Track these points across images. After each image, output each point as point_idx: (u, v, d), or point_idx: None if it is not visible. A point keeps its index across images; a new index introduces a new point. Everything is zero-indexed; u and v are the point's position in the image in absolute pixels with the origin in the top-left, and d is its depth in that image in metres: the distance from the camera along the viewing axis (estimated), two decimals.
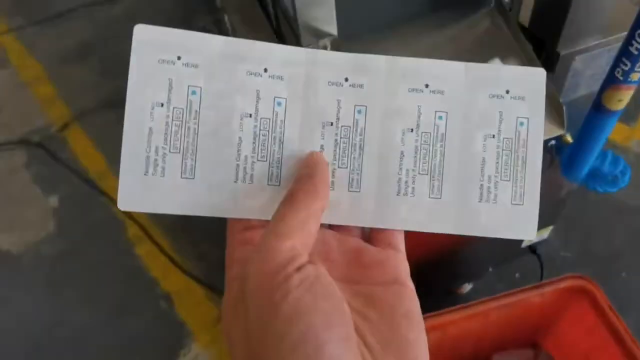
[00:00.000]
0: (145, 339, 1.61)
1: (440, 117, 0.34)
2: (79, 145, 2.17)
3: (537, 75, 0.34)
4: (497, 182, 0.34)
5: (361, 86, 0.34)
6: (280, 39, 0.93)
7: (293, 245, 0.29)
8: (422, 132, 0.34)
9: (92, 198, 1.93)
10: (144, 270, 1.71)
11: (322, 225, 0.35)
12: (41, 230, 1.84)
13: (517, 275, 1.54)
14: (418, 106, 0.34)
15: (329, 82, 0.34)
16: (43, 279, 1.73)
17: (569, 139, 1.02)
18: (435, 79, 0.34)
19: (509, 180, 0.34)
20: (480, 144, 0.34)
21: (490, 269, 1.42)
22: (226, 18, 1.20)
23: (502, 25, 0.82)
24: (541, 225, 1.37)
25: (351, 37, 0.78)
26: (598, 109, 0.84)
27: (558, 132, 0.78)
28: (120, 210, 1.48)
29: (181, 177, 0.33)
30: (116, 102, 2.37)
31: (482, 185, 0.34)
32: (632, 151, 1.78)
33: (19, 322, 1.65)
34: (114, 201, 1.93)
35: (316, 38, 0.75)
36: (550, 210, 1.26)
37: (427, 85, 0.34)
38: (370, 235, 0.36)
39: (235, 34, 1.03)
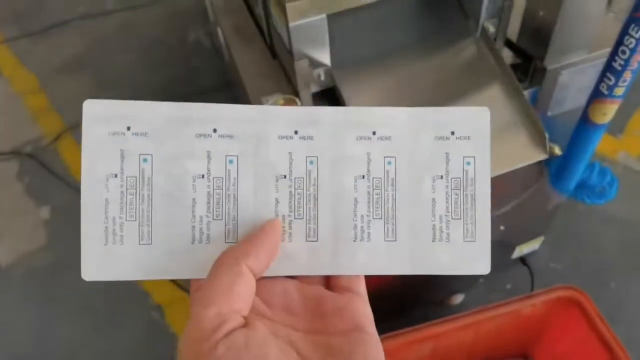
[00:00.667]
0: (136, 351, 1.60)
1: (389, 163, 0.35)
2: (71, 156, 2.17)
3: (481, 114, 0.35)
4: (448, 221, 0.35)
5: (311, 137, 0.34)
6: (273, 54, 0.95)
7: (218, 311, 0.28)
8: (372, 178, 0.34)
9: None
10: (135, 282, 1.70)
11: (284, 277, 0.35)
12: (32, 241, 1.83)
13: (508, 285, 1.55)
14: (367, 153, 0.35)
15: (279, 136, 0.34)
16: (33, 290, 1.71)
17: (558, 151, 1.04)
18: (382, 126, 0.34)
19: (460, 218, 0.35)
20: (429, 185, 0.35)
21: (481, 280, 1.43)
22: (219, 31, 1.21)
23: (487, 54, 0.84)
24: (531, 236, 1.39)
25: (343, 66, 0.80)
26: (585, 122, 0.86)
27: (540, 157, 0.80)
28: None
29: (139, 243, 0.34)
30: None
31: (434, 225, 0.35)
32: (619, 163, 1.81)
33: (9, 334, 1.63)
34: None
35: (311, 68, 0.77)
36: (540, 221, 1.28)
37: (374, 133, 0.34)
38: (330, 282, 0.35)
39: (228, 47, 1.04)
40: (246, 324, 0.29)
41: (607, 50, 0.82)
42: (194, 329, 0.28)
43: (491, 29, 0.85)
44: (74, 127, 2.29)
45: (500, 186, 1.07)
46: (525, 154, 0.79)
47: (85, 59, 2.69)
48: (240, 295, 0.30)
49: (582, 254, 1.60)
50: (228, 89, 2.38)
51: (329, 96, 0.83)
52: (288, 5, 0.69)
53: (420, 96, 0.81)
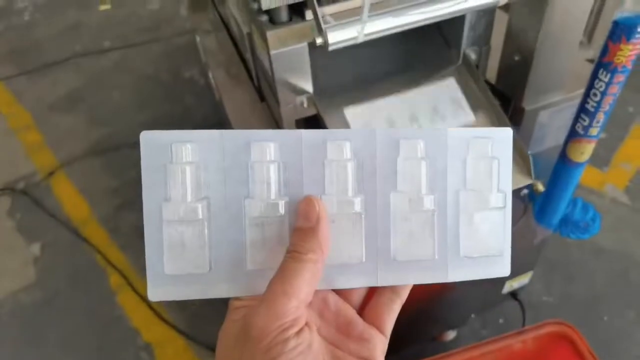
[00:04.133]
0: None
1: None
2: (63, 193, 2.17)
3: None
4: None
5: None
6: (260, 95, 0.98)
7: (298, 304, 0.31)
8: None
9: (74, 246, 1.91)
10: (125, 320, 1.68)
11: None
12: (21, 278, 1.81)
13: (501, 320, 1.55)
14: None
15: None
16: (21, 328, 1.69)
17: (541, 187, 1.06)
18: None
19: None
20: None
21: (473, 316, 1.43)
22: (210, 73, 1.25)
23: (469, 81, 0.86)
24: (520, 271, 1.39)
25: (326, 94, 0.82)
26: (563, 160, 0.89)
27: (526, 181, 0.82)
28: (101, 257, 1.48)
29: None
30: (102, 150, 2.40)
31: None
32: (607, 196, 1.83)
33: None
34: (96, 248, 1.92)
35: (293, 95, 0.79)
36: (527, 257, 1.29)
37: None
38: (363, 308, 0.39)
39: (218, 89, 1.07)
40: (308, 323, 0.33)
41: (583, 91, 0.85)
42: (275, 317, 0.31)
43: (472, 56, 0.87)
44: (67, 164, 2.30)
45: None
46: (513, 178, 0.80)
47: (80, 96, 2.73)
48: (313, 289, 0.33)
49: (573, 287, 1.60)
50: (220, 126, 2.40)
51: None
52: (269, 33, 0.71)
53: (405, 126, 0.82)
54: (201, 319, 1.64)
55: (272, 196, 0.36)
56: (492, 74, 0.92)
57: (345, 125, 0.80)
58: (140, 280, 1.77)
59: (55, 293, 1.77)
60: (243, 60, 1.10)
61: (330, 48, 0.59)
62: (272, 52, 0.72)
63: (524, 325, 1.42)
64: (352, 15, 0.63)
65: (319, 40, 0.59)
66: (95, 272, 1.83)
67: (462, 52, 0.86)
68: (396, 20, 0.61)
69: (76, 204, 2.13)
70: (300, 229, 0.35)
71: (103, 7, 3.47)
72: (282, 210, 0.36)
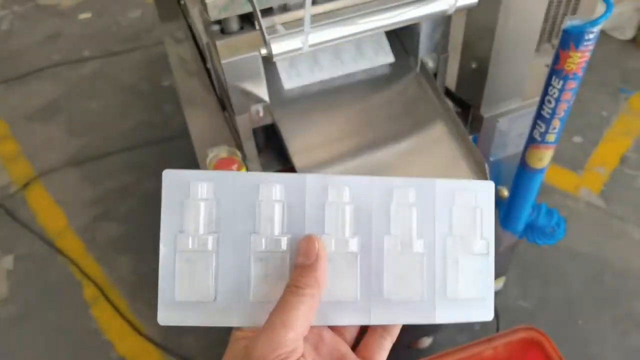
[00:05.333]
0: None
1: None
2: (39, 204, 2.14)
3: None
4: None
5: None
6: (222, 105, 0.97)
7: (295, 336, 0.33)
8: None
9: (48, 258, 1.89)
10: (100, 333, 1.65)
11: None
12: None
13: (476, 326, 1.54)
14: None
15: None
16: None
17: (506, 193, 1.06)
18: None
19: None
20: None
21: None
22: (177, 82, 1.24)
23: (428, 90, 0.86)
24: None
25: (284, 103, 0.82)
26: (523, 167, 0.89)
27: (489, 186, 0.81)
28: (76, 269, 1.46)
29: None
30: (81, 160, 2.38)
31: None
32: (582, 200, 1.85)
33: None
34: (71, 260, 1.89)
35: (248, 104, 0.78)
36: (497, 262, 1.28)
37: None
38: (357, 344, 0.41)
39: (181, 100, 1.06)
40: (303, 355, 0.34)
41: (535, 100, 0.86)
42: (273, 347, 0.32)
43: (430, 64, 0.87)
44: (44, 175, 2.27)
45: None
46: None
47: (58, 105, 2.70)
48: (310, 322, 0.35)
49: (549, 290, 1.61)
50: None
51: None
52: (219, 43, 0.70)
53: (363, 134, 0.81)
54: (176, 332, 1.62)
55: (276, 232, 0.38)
56: (451, 81, 0.92)
57: (303, 135, 0.80)
58: (115, 292, 1.75)
59: (29, 307, 1.74)
60: (207, 70, 1.10)
61: (275, 59, 0.59)
62: (223, 61, 0.71)
63: (497, 331, 1.41)
64: (302, 25, 0.63)
65: (263, 51, 0.59)
66: (69, 284, 1.80)
67: (419, 59, 0.86)
68: (340, 31, 0.61)
69: (52, 215, 2.10)
70: (300, 265, 0.37)
71: (83, 16, 3.45)
72: (284, 246, 0.38)
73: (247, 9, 0.68)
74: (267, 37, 0.58)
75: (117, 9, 3.44)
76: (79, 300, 1.75)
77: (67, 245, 1.94)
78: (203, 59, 1.14)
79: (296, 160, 0.75)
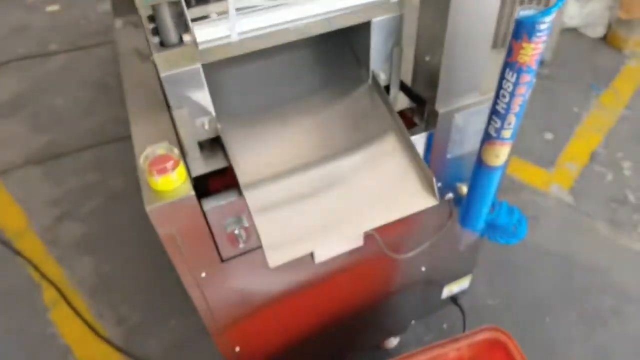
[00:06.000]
0: None
1: None
2: None
3: None
4: None
5: None
6: (173, 121, 0.92)
7: None
8: None
9: (7, 260, 1.81)
10: (57, 337, 1.59)
11: None
12: None
13: (444, 325, 1.52)
14: None
15: None
16: None
17: (465, 190, 1.04)
18: None
19: None
20: None
21: (413, 322, 1.40)
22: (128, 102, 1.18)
23: (379, 102, 0.84)
24: (457, 275, 1.36)
25: (232, 115, 0.78)
26: (480, 164, 0.86)
27: (431, 202, 0.78)
28: (36, 272, 1.38)
29: None
30: (43, 158, 2.29)
31: None
32: (552, 196, 1.84)
33: None
34: (30, 262, 1.82)
35: (192, 117, 0.74)
36: (461, 260, 1.26)
37: None
38: None
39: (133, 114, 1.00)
40: None
41: (490, 95, 0.83)
42: None
43: (382, 76, 0.84)
44: (4, 173, 2.18)
45: (411, 227, 1.05)
46: (416, 201, 0.77)
47: (23, 100, 2.60)
48: None
49: (517, 289, 1.59)
50: None
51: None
52: (156, 55, 0.67)
53: (313, 148, 0.79)
54: (138, 334, 1.56)
55: None
56: (407, 75, 0.88)
57: (250, 149, 0.76)
58: (76, 294, 1.68)
59: None
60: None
61: (201, 47, 0.55)
62: (162, 74, 0.67)
63: (464, 330, 1.39)
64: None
65: (186, 38, 0.54)
66: (28, 287, 1.73)
67: (371, 71, 0.83)
68: (269, 18, 0.57)
69: (12, 215, 2.02)
70: None
71: (51, 9, 3.34)
72: None
73: None
74: (190, 23, 0.54)
75: (87, 2, 3.34)
76: (38, 303, 1.68)
77: (27, 246, 1.87)
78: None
79: (241, 178, 0.71)
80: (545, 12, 0.66)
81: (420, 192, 0.77)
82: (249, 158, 0.75)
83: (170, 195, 0.73)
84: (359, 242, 0.81)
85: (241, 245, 0.84)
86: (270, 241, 0.68)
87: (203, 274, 0.85)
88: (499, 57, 0.86)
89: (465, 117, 0.88)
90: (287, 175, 0.76)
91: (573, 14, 2.46)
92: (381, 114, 0.81)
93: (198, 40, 0.54)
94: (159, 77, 0.94)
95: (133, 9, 1.29)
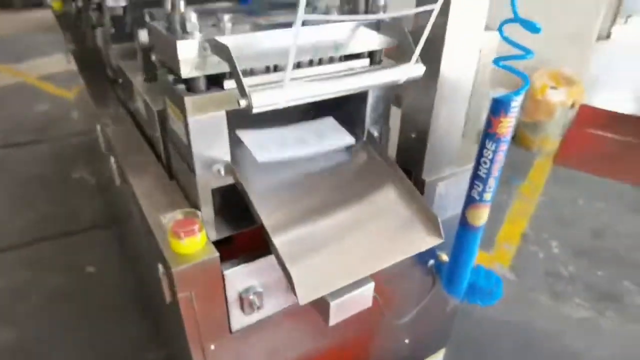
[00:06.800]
0: None
1: None
2: None
3: None
4: None
5: None
6: (170, 175, 0.95)
7: None
8: None
9: None
10: None
11: None
12: None
13: None
14: None
15: None
16: None
17: (445, 257, 1.12)
18: None
19: None
20: None
21: None
22: (112, 159, 1.19)
23: (375, 155, 0.93)
24: (435, 347, 1.40)
25: (244, 164, 0.83)
26: (464, 226, 0.96)
27: (437, 240, 0.86)
28: None
29: None
30: None
31: None
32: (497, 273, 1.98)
33: None
34: None
35: (210, 163, 0.78)
36: (440, 330, 1.31)
37: None
38: None
39: (122, 171, 1.02)
40: None
41: (471, 165, 0.96)
42: None
43: (375, 134, 0.95)
44: None
45: (400, 294, 1.10)
46: (425, 240, 0.84)
47: None
48: None
49: None
50: (111, 226, 2.24)
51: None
52: (187, 99, 0.71)
53: (324, 196, 0.85)
54: None
55: None
56: (392, 151, 1.00)
57: (268, 195, 0.80)
58: None
59: None
60: (150, 144, 1.08)
61: (255, 110, 0.61)
62: (190, 118, 0.72)
63: None
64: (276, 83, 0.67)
65: (242, 102, 0.61)
66: None
67: (366, 129, 0.94)
68: (315, 89, 0.66)
69: None
70: None
71: None
72: None
73: (218, 69, 0.71)
74: (247, 89, 0.61)
75: (24, 102, 3.29)
76: None
77: None
78: (144, 134, 1.12)
79: (264, 219, 0.75)
80: (516, 92, 0.81)
81: (427, 232, 0.84)
82: (267, 205, 0.78)
83: (195, 257, 0.73)
84: (369, 303, 0.85)
85: (254, 313, 0.83)
86: (300, 280, 0.70)
87: (212, 347, 0.82)
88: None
89: (446, 186, 1.00)
90: (305, 220, 0.80)
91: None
92: (379, 166, 0.90)
93: (254, 104, 0.61)
94: (161, 129, 0.97)
95: (112, 97, 1.34)
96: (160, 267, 0.82)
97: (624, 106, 3.59)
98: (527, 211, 2.37)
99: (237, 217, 0.86)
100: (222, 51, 0.64)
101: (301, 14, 0.54)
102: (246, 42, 0.69)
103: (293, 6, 0.99)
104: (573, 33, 2.81)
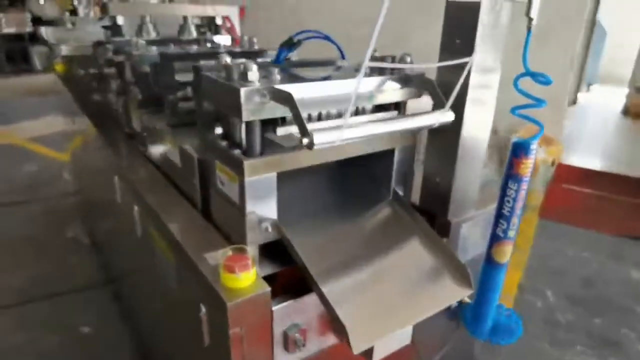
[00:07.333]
0: None
1: None
2: None
3: None
4: None
5: None
6: (207, 217, 0.98)
7: None
8: None
9: None
10: None
11: None
12: None
13: None
14: None
15: None
16: None
17: (467, 299, 1.16)
18: None
19: None
20: None
21: None
22: (135, 208, 1.21)
23: (400, 211, 1.00)
24: None
25: (286, 221, 0.88)
26: (490, 263, 1.01)
27: (468, 291, 0.91)
28: None
29: None
30: None
31: None
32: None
33: None
34: None
35: (259, 221, 0.83)
36: None
37: None
38: None
39: (156, 216, 1.04)
40: None
41: (491, 206, 1.03)
42: None
43: (400, 192, 1.02)
44: None
45: (428, 337, 1.12)
46: (456, 291, 0.88)
47: None
48: None
49: None
50: (107, 285, 2.18)
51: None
52: (246, 163, 0.78)
53: (357, 250, 0.90)
54: None
55: None
56: (415, 196, 1.06)
57: (311, 246, 0.85)
58: None
59: None
60: (177, 189, 1.11)
61: (316, 147, 0.67)
62: (247, 179, 0.78)
63: None
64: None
65: (305, 140, 0.67)
66: None
67: (392, 189, 1.01)
68: (369, 129, 0.73)
69: None
70: None
71: None
72: None
73: (273, 114, 0.78)
74: (309, 129, 0.67)
75: (12, 163, 3.27)
76: None
77: None
78: (171, 181, 1.16)
79: (312, 270, 0.80)
80: (534, 137, 0.90)
81: (458, 282, 0.89)
82: (311, 256, 0.82)
83: (247, 291, 0.75)
84: (408, 340, 0.88)
85: (297, 352, 0.84)
86: (352, 329, 0.72)
87: None
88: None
89: (469, 227, 1.06)
90: (345, 271, 0.84)
91: None
92: (408, 220, 0.97)
93: (316, 142, 0.67)
94: (191, 202, 1.02)
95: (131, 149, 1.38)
96: (203, 306, 0.83)
97: (595, 163, 3.82)
98: (520, 262, 2.44)
99: (274, 255, 0.90)
100: (285, 98, 0.71)
101: (367, 62, 0.62)
102: (304, 91, 0.76)
103: (319, 64, 1.10)
104: (548, 97, 3.05)
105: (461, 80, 0.80)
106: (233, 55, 1.08)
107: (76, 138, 2.45)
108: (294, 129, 0.83)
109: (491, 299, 1.06)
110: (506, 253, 1.00)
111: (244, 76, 0.76)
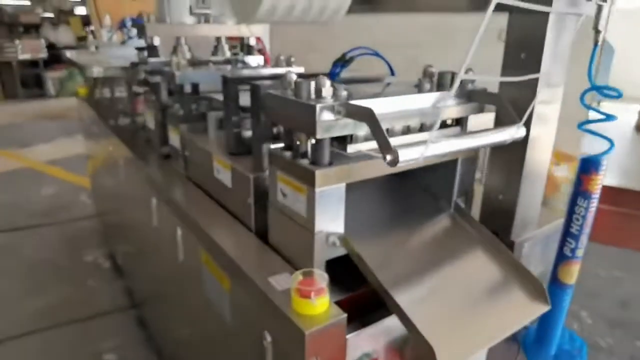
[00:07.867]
0: None
1: None
2: None
3: None
4: None
5: None
6: (264, 239, 0.95)
7: None
8: None
9: None
10: None
11: None
12: None
13: None
14: None
15: None
16: None
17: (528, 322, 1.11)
18: None
19: None
20: None
21: None
22: (179, 231, 1.17)
23: (462, 223, 0.97)
24: None
25: (352, 234, 0.85)
26: (555, 284, 0.97)
27: (545, 308, 0.86)
28: None
29: None
30: None
31: None
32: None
33: None
34: None
35: (327, 235, 0.80)
36: None
37: None
38: None
39: (211, 238, 1.00)
40: None
41: (552, 223, 1.00)
42: None
43: (461, 204, 0.98)
44: None
45: None
46: (533, 308, 0.83)
47: None
48: None
49: None
50: (131, 309, 2.13)
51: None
52: (317, 172, 0.75)
53: (425, 265, 0.86)
54: None
55: None
56: (475, 214, 1.03)
57: (382, 260, 0.82)
58: None
59: None
60: (230, 213, 1.08)
61: (400, 164, 0.64)
62: (318, 189, 0.75)
63: None
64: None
65: (388, 157, 0.64)
66: None
67: (453, 201, 0.98)
68: (452, 145, 0.70)
69: None
70: None
71: None
72: None
73: (344, 131, 0.75)
74: (392, 145, 0.65)
75: (30, 186, 3.25)
76: None
77: None
78: (220, 204, 1.13)
79: (380, 277, 0.77)
80: (604, 153, 0.88)
81: (534, 299, 0.85)
82: (384, 273, 0.79)
83: (323, 318, 0.71)
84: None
85: None
86: (439, 349, 0.68)
87: None
88: None
89: (530, 246, 1.02)
90: (418, 288, 0.80)
91: None
92: (467, 232, 0.94)
93: (400, 158, 0.64)
94: (245, 225, 0.99)
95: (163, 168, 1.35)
96: (268, 335, 0.79)
97: (613, 181, 3.79)
98: None
99: (338, 281, 0.86)
100: (364, 113, 0.69)
101: (462, 73, 0.59)
102: (380, 106, 0.73)
103: (370, 81, 1.08)
104: (565, 117, 3.04)
105: (538, 95, 0.78)
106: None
107: (96, 160, 2.43)
108: (363, 146, 0.80)
109: (556, 322, 1.01)
110: (573, 273, 0.96)
111: (318, 92, 0.73)
